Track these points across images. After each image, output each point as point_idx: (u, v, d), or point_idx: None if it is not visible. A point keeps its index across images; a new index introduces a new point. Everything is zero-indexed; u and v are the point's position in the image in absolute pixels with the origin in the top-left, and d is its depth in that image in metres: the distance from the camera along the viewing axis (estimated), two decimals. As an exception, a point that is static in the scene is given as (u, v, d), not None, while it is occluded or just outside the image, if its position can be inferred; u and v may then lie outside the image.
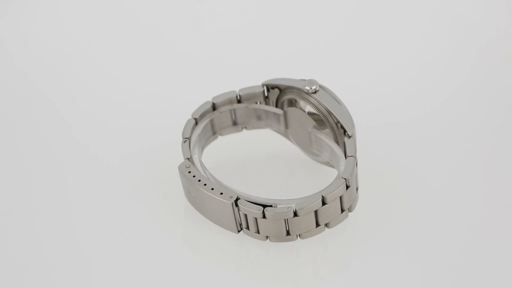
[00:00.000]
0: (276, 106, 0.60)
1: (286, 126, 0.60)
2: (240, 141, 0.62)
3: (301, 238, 0.53)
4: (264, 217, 0.52)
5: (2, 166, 0.62)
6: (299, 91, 0.57)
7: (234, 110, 0.60)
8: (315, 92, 0.57)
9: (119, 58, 0.73)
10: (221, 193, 0.53)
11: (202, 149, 0.59)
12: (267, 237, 0.53)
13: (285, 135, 0.61)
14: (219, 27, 0.75)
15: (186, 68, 0.71)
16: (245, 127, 0.61)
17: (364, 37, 0.74)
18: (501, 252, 0.54)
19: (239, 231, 0.54)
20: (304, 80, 0.57)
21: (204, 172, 0.55)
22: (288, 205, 0.52)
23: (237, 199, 0.53)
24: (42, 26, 0.76)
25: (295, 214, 0.52)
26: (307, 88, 0.57)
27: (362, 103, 0.65)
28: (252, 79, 0.61)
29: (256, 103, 0.60)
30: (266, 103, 0.60)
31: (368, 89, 0.68)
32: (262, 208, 0.52)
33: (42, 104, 0.68)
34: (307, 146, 0.59)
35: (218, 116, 0.59)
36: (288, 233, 0.53)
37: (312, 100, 0.57)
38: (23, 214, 0.58)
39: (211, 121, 0.59)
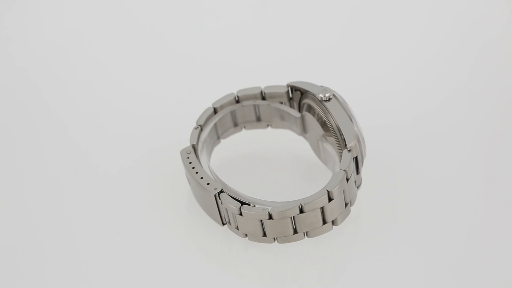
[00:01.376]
0: (299, 109, 0.60)
1: (304, 130, 0.59)
2: (262, 138, 0.62)
3: (278, 242, 0.53)
4: (240, 214, 0.52)
5: (2, 166, 0.63)
6: (314, 97, 0.57)
7: (258, 106, 0.60)
8: (328, 100, 0.56)
9: (131, 60, 0.73)
10: (208, 183, 0.54)
11: (218, 138, 0.60)
12: (246, 234, 0.54)
13: (305, 138, 0.60)
14: (224, 29, 0.75)
15: (190, 70, 0.71)
16: (270, 125, 0.61)
17: (367, 38, 0.73)
18: (503, 252, 0.53)
19: (224, 224, 0.55)
20: (322, 86, 0.57)
21: (208, 165, 0.56)
22: (265, 207, 0.52)
23: (221, 192, 0.53)
24: (42, 27, 0.76)
25: (270, 217, 0.52)
26: (321, 95, 0.56)
27: (364, 104, 0.64)
28: (253, 80, 0.62)
29: (281, 103, 0.60)
30: (291, 104, 0.60)
31: (369, 90, 0.67)
32: (240, 205, 0.52)
33: (42, 105, 0.68)
34: (318, 153, 0.59)
35: (240, 109, 0.60)
36: (264, 234, 0.53)
37: (323, 107, 0.56)
38: (23, 214, 0.58)
39: (232, 113, 0.60)
